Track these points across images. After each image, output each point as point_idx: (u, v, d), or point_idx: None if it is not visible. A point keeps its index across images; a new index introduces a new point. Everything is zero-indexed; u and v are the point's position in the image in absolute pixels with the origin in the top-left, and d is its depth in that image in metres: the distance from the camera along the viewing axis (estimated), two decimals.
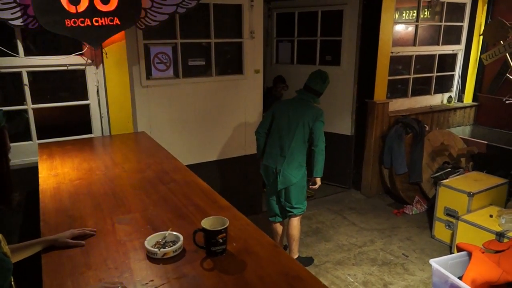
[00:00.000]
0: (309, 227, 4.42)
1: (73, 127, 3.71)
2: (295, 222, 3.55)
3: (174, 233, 1.70)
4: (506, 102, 5.30)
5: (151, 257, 1.59)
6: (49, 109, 3.54)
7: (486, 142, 4.98)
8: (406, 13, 5.32)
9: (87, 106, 3.61)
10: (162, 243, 1.66)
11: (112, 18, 3.26)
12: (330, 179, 5.28)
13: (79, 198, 2.18)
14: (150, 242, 1.65)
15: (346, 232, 4.35)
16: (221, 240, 1.59)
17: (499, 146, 4.84)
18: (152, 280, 1.45)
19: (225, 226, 1.60)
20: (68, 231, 1.73)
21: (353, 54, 4.99)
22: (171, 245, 1.64)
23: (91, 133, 3.67)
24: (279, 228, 3.71)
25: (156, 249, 1.59)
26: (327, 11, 5.15)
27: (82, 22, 3.16)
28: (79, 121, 3.75)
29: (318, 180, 3.45)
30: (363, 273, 3.61)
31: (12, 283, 1.33)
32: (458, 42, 5.75)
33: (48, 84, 3.61)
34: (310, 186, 3.49)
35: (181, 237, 1.67)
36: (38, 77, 3.49)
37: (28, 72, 3.32)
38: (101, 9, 3.18)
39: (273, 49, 5.78)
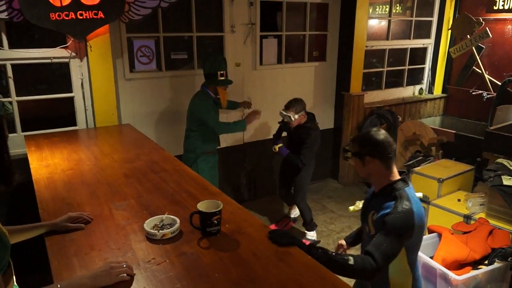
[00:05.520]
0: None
1: (57, 119, 3.73)
2: None
3: (171, 216, 1.82)
4: (473, 93, 5.60)
5: (151, 238, 1.70)
6: (34, 102, 3.56)
7: (454, 131, 5.24)
8: (379, 8, 5.53)
9: (72, 98, 3.64)
10: (160, 225, 1.77)
11: (96, 11, 3.30)
12: None
13: (73, 187, 2.25)
14: (148, 225, 1.76)
15: (325, 219, 4.54)
16: (216, 222, 1.72)
17: (466, 135, 5.11)
18: (154, 258, 1.56)
19: (220, 208, 1.72)
20: (66, 215, 1.79)
21: (335, 49, 5.12)
22: (169, 227, 1.76)
23: (75, 125, 3.70)
24: None
25: (155, 231, 1.71)
26: (314, 3, 4.88)
27: (67, 15, 3.19)
28: (63, 114, 3.77)
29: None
30: None
31: (11, 263, 1.38)
32: (428, 36, 6.00)
33: (33, 76, 3.62)
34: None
35: (178, 220, 1.79)
36: (23, 70, 3.49)
37: (12, 65, 3.33)
38: (86, 3, 3.23)
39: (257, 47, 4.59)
